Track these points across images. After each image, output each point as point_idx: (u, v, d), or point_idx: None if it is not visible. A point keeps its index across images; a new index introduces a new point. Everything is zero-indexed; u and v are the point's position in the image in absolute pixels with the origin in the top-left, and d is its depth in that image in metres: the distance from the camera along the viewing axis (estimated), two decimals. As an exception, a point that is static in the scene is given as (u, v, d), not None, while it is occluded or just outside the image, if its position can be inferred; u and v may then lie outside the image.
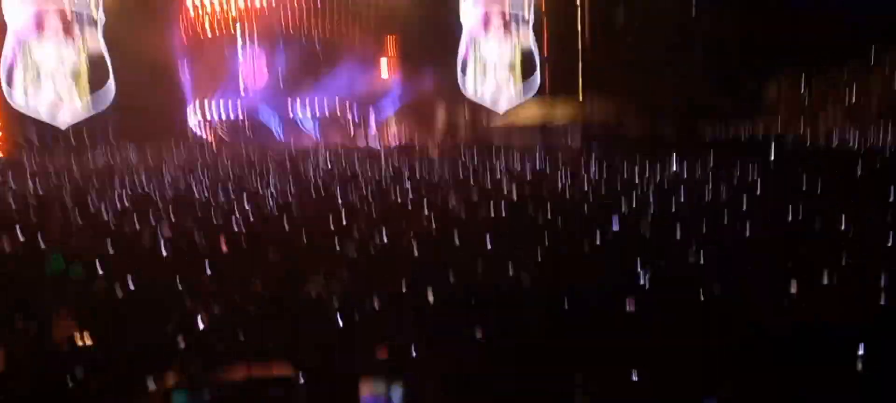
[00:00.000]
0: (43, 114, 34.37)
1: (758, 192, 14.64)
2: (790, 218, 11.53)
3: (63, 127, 34.57)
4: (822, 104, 37.83)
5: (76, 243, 10.85)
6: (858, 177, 16.75)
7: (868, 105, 35.79)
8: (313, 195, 16.08)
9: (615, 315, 7.70)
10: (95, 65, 34.87)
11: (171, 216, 13.14)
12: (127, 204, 15.32)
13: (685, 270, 9.31)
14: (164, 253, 10.36)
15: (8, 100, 33.49)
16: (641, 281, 8.65)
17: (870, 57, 36.01)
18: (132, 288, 8.83)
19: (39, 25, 34.03)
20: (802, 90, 39.54)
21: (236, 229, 11.87)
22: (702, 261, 9.49)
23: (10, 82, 33.71)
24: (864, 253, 9.33)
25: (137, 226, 12.16)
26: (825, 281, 8.38)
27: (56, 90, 34.54)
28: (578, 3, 41.40)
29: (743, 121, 35.68)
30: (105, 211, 14.04)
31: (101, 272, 9.35)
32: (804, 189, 14.60)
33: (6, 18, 33.53)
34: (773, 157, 20.75)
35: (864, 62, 36.55)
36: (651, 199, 13.87)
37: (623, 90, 32.68)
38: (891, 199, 12.96)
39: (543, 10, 41.80)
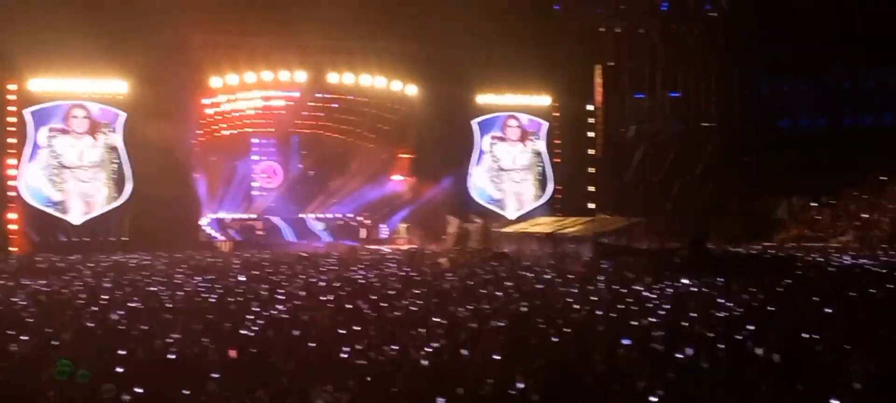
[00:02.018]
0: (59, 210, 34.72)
1: (768, 309, 14.56)
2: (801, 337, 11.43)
3: (78, 222, 34.89)
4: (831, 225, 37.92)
5: (85, 346, 10.83)
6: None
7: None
8: (322, 301, 16.06)
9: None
10: (113, 158, 35.37)
11: (180, 320, 13.14)
12: (137, 306, 15.34)
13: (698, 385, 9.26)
14: (172, 359, 10.32)
15: (25, 195, 33.89)
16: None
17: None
18: (140, 391, 8.81)
19: (65, 120, 34.71)
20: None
21: (244, 334, 11.85)
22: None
23: (29, 177, 34.19)
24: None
25: (146, 330, 12.15)
26: None
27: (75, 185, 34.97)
28: (592, 119, 42.05)
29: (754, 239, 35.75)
30: (115, 313, 14.06)
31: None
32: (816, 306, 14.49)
33: (31, 115, 34.09)
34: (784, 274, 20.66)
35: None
36: (661, 315, 13.80)
37: (634, 204, 32.91)
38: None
39: (558, 119, 42.39)
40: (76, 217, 34.85)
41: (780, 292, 17.11)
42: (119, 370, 9.49)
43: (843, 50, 40.54)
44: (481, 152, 41.82)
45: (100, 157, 35.18)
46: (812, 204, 40.53)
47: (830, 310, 13.78)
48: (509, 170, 42.20)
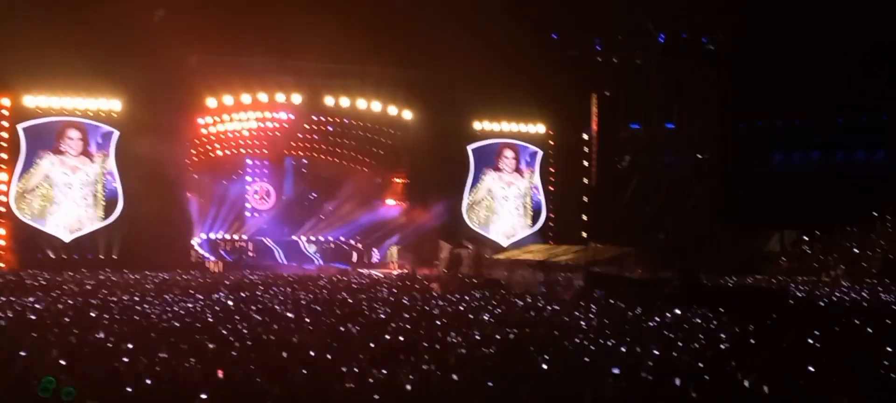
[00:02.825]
0: (49, 227, 34.56)
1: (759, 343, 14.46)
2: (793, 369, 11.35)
3: (67, 239, 34.70)
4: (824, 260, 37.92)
5: (70, 364, 10.71)
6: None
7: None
8: (312, 324, 15.94)
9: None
10: (106, 179, 35.22)
11: (168, 340, 13.02)
12: (124, 325, 15.21)
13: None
14: (159, 379, 10.19)
15: (16, 212, 33.69)
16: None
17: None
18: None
19: (58, 141, 34.60)
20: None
21: (233, 356, 11.74)
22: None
23: (19, 192, 34.03)
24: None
25: (132, 349, 12.02)
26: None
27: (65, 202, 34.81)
28: (587, 148, 42.08)
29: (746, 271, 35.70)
30: (101, 332, 13.93)
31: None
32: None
33: (23, 133, 33.96)
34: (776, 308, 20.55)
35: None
36: (652, 345, 13.69)
37: (627, 233, 32.81)
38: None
39: (553, 147, 42.42)
40: (65, 234, 34.68)
41: (772, 325, 17.00)
42: (104, 387, 9.38)
43: (836, 86, 40.65)
44: (475, 178, 41.80)
45: (92, 175, 35.06)
46: (804, 237, 40.53)
47: (820, 344, 13.71)
48: (503, 197, 42.18)
